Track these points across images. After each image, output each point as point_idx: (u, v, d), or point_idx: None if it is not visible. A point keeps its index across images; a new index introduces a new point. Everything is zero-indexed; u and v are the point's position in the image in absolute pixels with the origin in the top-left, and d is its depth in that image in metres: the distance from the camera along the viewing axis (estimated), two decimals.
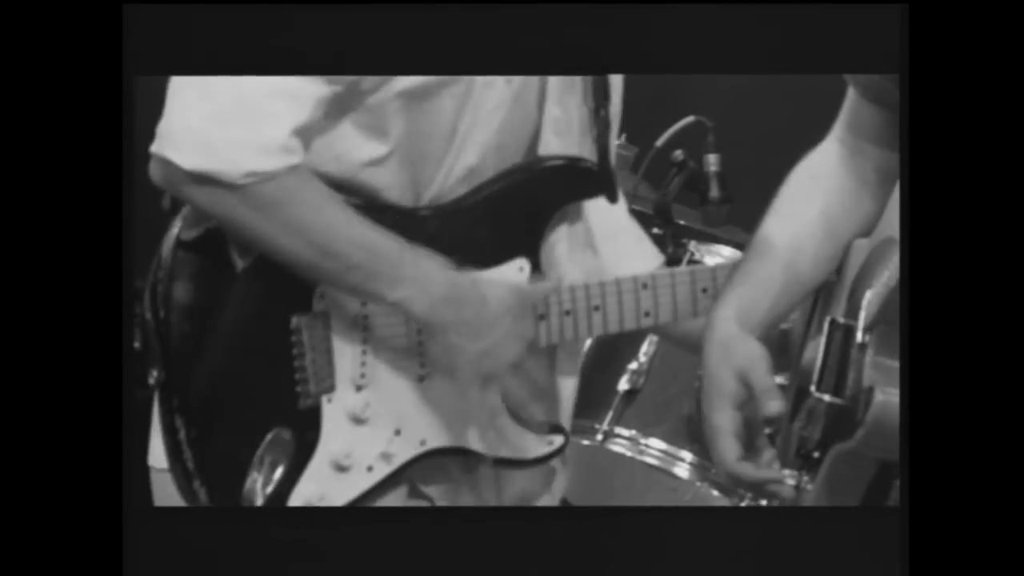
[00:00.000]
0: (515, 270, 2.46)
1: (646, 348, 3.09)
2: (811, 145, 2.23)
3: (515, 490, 2.62)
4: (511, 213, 2.44)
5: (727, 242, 3.23)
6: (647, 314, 2.51)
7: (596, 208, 2.58)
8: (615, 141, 2.58)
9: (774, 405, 2.02)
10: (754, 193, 2.67)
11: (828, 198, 2.15)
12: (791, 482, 2.04)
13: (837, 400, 1.93)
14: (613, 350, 3.15)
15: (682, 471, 2.99)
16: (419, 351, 2.43)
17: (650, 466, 3.02)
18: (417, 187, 2.40)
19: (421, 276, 2.33)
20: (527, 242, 2.47)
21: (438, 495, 2.52)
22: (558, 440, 2.53)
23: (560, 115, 2.45)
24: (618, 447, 3.03)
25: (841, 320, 1.99)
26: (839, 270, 2.13)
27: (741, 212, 3.41)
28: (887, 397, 1.84)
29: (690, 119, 3.56)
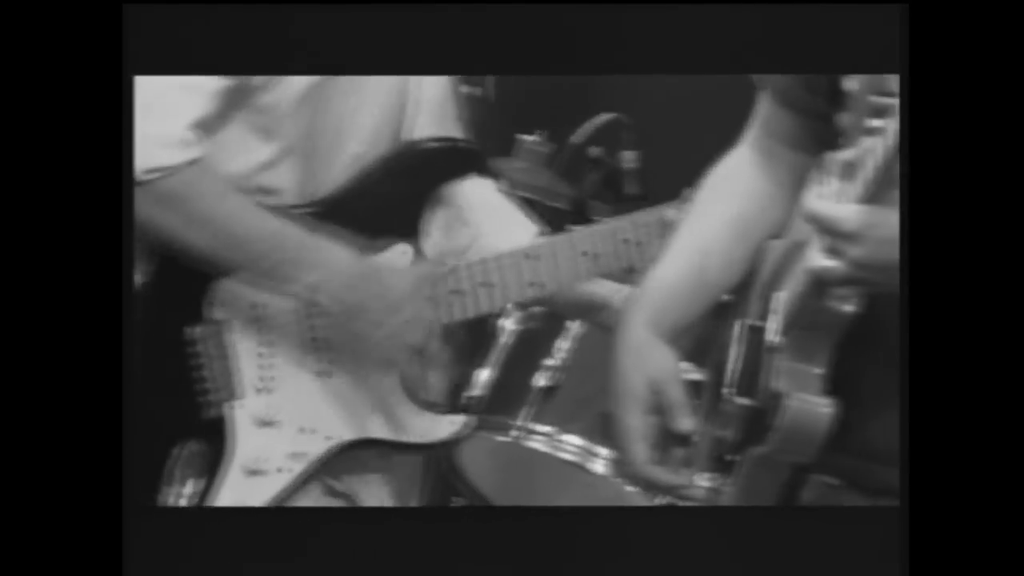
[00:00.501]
0: (398, 255, 2.48)
1: (564, 344, 3.09)
2: (730, 144, 2.23)
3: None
4: (388, 200, 2.47)
5: None
6: (534, 284, 2.53)
7: (468, 187, 2.60)
8: (482, 117, 2.61)
9: (686, 423, 2.04)
10: (670, 191, 2.69)
11: (741, 201, 2.15)
12: (706, 484, 2.05)
13: (751, 402, 1.94)
14: (531, 346, 3.14)
15: (599, 467, 2.98)
16: (314, 347, 2.44)
17: (567, 462, 3.01)
18: (306, 182, 2.41)
19: (327, 261, 2.35)
20: (406, 226, 2.49)
21: (354, 489, 2.52)
22: (462, 420, 2.54)
23: (425, 95, 2.48)
24: (535, 443, 3.02)
25: (755, 323, 2.00)
26: (752, 272, 2.13)
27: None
28: (800, 403, 1.85)
29: (607, 116, 3.57)
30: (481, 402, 3.07)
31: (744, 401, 1.96)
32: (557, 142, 3.82)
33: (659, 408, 2.06)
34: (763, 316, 1.98)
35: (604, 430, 2.93)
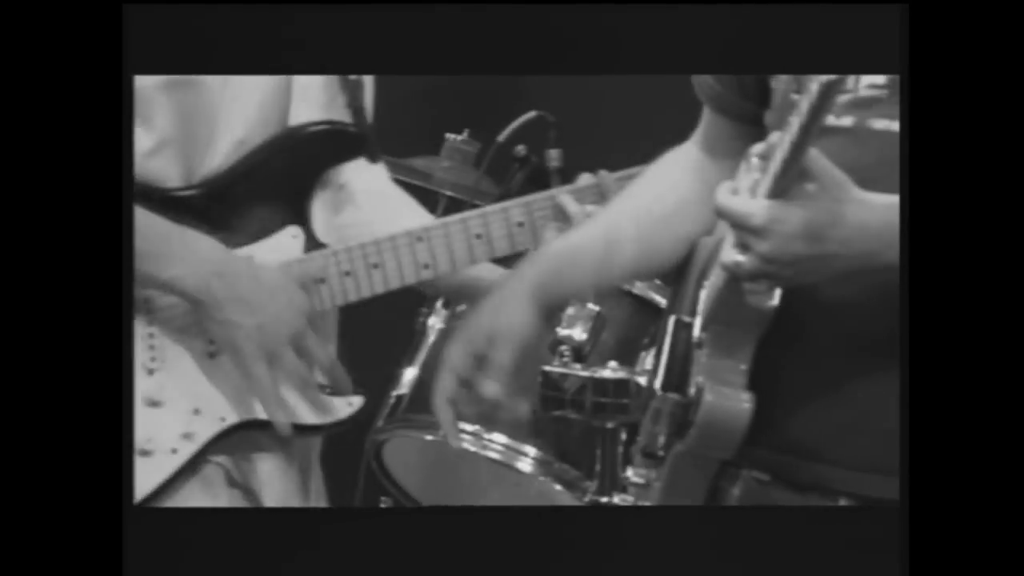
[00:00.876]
0: (288, 238, 2.49)
1: None
2: (654, 140, 2.24)
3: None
4: (277, 183, 2.48)
5: None
6: (426, 266, 2.55)
7: (359, 174, 2.60)
8: (369, 102, 2.61)
9: (489, 387, 2.05)
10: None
11: (665, 192, 2.15)
12: (639, 480, 2.06)
13: (681, 398, 1.95)
14: None
15: (525, 466, 2.98)
16: (201, 329, 2.44)
17: (493, 461, 3.01)
18: (190, 170, 2.41)
19: (190, 254, 2.35)
20: (295, 209, 2.50)
21: (250, 472, 2.52)
22: (357, 401, 2.54)
23: (308, 82, 2.49)
24: (462, 442, 3.02)
25: (685, 319, 2.01)
26: (687, 267, 2.14)
27: None
28: (716, 398, 1.86)
29: (532, 114, 3.58)
30: (406, 401, 3.07)
31: (673, 396, 1.96)
32: (481, 140, 3.83)
33: (481, 358, 2.06)
34: (692, 311, 2.00)
35: (530, 428, 2.94)
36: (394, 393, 3.09)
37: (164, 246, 2.34)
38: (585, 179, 2.70)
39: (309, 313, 2.46)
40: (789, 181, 1.73)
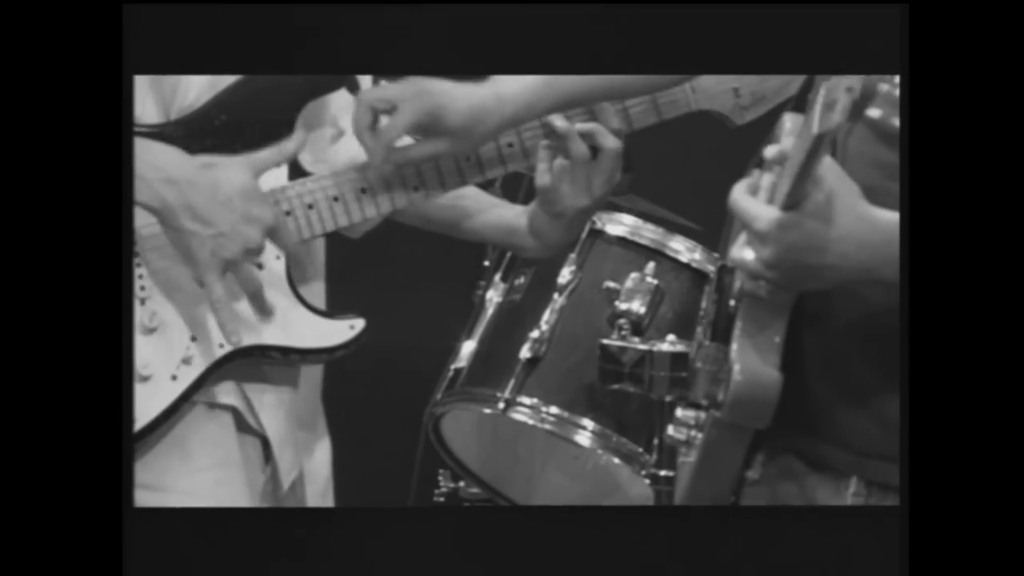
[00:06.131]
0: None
1: (548, 316, 3.09)
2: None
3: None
4: (258, 115, 2.45)
5: (628, 210, 3.20)
6: (416, 188, 2.49)
7: (340, 100, 2.56)
8: None
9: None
10: (656, 162, 2.67)
11: None
12: (689, 421, 2.06)
13: (719, 347, 1.96)
14: (515, 318, 3.14)
15: (583, 439, 2.99)
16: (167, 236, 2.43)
17: (551, 434, 3.02)
18: (166, 106, 2.40)
19: (139, 162, 2.32)
20: (278, 140, 2.45)
21: (258, 407, 2.50)
22: (359, 324, 2.51)
23: None
24: (520, 415, 3.01)
25: (727, 263, 2.01)
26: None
27: (642, 181, 3.41)
28: (744, 377, 1.86)
29: None
30: (464, 374, 3.07)
31: (710, 346, 1.98)
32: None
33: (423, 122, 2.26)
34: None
35: (588, 401, 2.94)
36: (452, 366, 3.09)
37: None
38: None
39: (270, 228, 2.43)
40: (804, 191, 1.74)
